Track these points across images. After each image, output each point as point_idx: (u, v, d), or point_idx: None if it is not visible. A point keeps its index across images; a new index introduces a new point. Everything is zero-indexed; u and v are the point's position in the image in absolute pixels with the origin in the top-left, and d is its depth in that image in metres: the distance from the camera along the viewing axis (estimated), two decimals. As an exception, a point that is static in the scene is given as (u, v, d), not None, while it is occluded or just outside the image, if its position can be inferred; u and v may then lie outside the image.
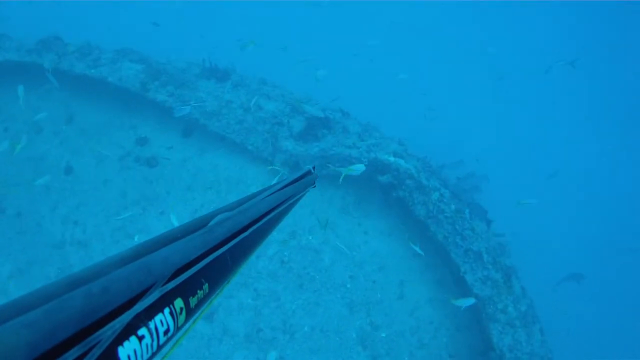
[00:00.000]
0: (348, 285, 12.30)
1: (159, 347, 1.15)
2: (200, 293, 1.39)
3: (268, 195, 1.94)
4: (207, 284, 1.44)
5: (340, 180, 10.66)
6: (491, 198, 15.58)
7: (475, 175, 13.07)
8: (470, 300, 10.19)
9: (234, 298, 12.00)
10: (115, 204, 12.94)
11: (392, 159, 11.93)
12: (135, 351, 1.02)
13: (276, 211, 1.98)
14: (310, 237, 12.71)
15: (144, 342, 1.06)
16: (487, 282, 11.22)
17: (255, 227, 1.73)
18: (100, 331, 0.90)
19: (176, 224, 12.34)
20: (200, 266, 1.34)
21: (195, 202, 12.94)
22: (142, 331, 1.07)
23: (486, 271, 11.28)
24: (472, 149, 19.33)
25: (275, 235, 12.56)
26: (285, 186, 2.21)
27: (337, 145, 12.36)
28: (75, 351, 0.83)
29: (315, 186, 2.85)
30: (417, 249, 10.98)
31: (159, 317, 1.15)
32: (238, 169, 13.41)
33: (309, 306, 12.01)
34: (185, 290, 1.30)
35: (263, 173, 13.34)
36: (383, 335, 11.84)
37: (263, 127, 12.90)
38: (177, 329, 1.24)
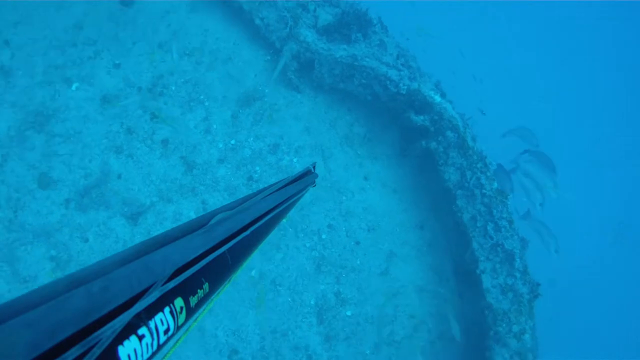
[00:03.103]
0: (324, 236, 9.34)
1: (159, 347, 1.12)
2: (200, 292, 1.36)
3: (268, 195, 1.92)
4: (207, 284, 1.41)
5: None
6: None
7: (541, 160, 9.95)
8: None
9: (173, 204, 8.95)
10: (65, 36, 9.58)
11: (437, 98, 8.84)
12: (135, 350, 1.00)
13: (276, 210, 1.96)
14: (294, 160, 9.67)
15: (144, 341, 1.04)
16: (508, 294, 8.39)
17: (255, 226, 1.71)
18: (101, 330, 0.87)
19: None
20: (201, 265, 1.30)
21: (164, 66, 9.67)
22: (142, 330, 1.05)
23: (512, 279, 8.44)
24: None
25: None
26: (285, 185, 2.14)
27: (372, 57, 9.19)
28: (75, 350, 0.80)
29: (315, 185, 2.68)
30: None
31: (159, 317, 1.13)
32: (231, 44, 10.13)
33: (266, 246, 9.03)
34: (186, 290, 1.28)
35: (260, 59, 10.13)
36: (348, 314, 9.00)
37: (285, 3, 9.63)
38: (178, 328, 1.22)
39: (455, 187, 8.80)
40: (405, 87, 8.80)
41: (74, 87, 9.25)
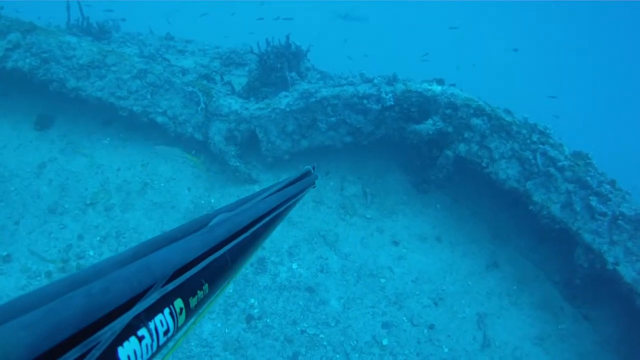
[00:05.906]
0: (385, 342, 6.50)
1: (159, 348, 1.08)
2: (200, 293, 1.31)
3: (268, 196, 1.82)
4: (207, 285, 1.36)
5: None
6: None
7: None
8: None
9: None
10: None
11: (437, 87, 6.52)
12: (135, 351, 0.96)
13: (276, 212, 1.85)
14: (294, 266, 6.92)
15: (143, 342, 1.00)
16: (662, 270, 5.90)
17: (255, 227, 1.61)
18: (100, 332, 0.85)
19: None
20: (200, 267, 1.24)
21: (68, 231, 6.86)
22: (142, 331, 1.00)
23: (657, 249, 5.98)
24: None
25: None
26: (285, 187, 2.03)
27: (327, 87, 6.84)
28: (75, 352, 0.77)
29: (315, 186, 2.46)
30: None
31: (158, 318, 1.08)
32: (140, 167, 7.49)
33: (320, 395, 6.06)
34: (185, 291, 1.23)
35: (185, 167, 7.53)
36: (476, 422, 6.07)
37: (183, 79, 7.17)
38: (177, 329, 1.17)
39: (520, 182, 6.33)
40: (390, 95, 6.40)
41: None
